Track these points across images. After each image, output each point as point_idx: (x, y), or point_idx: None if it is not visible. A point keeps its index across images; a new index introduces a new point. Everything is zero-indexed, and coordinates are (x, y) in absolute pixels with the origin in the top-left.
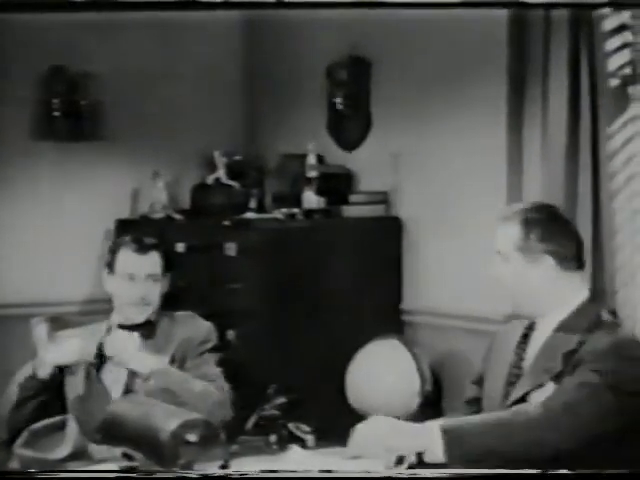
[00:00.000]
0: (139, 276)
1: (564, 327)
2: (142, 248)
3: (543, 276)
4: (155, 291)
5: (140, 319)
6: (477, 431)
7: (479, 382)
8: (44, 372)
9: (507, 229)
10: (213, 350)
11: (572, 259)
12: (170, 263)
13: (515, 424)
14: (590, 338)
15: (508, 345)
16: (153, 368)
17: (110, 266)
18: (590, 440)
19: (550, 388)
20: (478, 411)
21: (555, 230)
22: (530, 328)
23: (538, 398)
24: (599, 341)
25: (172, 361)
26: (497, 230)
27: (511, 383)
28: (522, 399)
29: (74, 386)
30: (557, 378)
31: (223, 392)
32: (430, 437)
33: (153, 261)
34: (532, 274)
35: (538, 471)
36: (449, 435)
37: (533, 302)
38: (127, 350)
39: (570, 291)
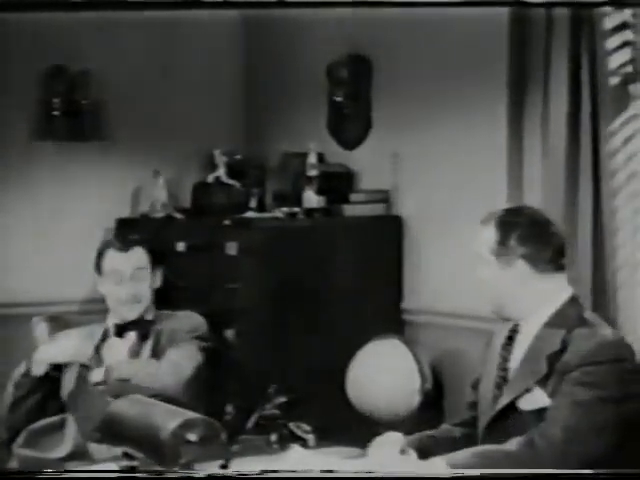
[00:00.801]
0: (125, 274)
1: (547, 329)
2: (124, 246)
3: (517, 279)
4: (144, 287)
5: (132, 316)
6: (485, 466)
7: (476, 386)
8: (38, 370)
9: (484, 232)
10: (199, 338)
11: (549, 261)
12: (159, 258)
13: (522, 458)
14: (573, 339)
15: (495, 348)
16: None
17: (98, 268)
18: (594, 454)
19: (538, 393)
20: (476, 416)
21: (531, 233)
22: (514, 330)
23: (526, 404)
24: (582, 343)
25: (154, 353)
26: (478, 234)
27: (498, 386)
28: (511, 404)
29: (67, 385)
30: (543, 382)
31: (172, 363)
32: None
33: (137, 257)
34: (506, 277)
35: (538, 471)
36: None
37: (511, 304)
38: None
39: (551, 293)
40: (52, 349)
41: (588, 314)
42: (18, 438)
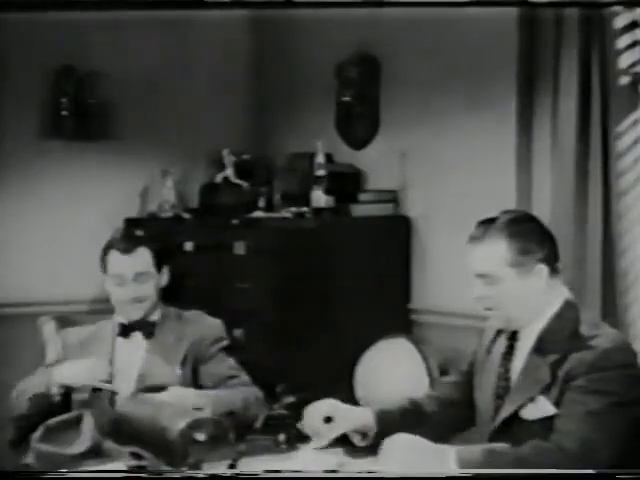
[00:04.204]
0: (127, 277)
1: (546, 334)
2: (127, 247)
3: (538, 285)
4: (148, 288)
5: (136, 316)
6: (494, 464)
7: (469, 376)
8: (56, 393)
9: (490, 248)
10: (226, 349)
11: (556, 262)
12: (165, 256)
13: (535, 464)
14: (575, 346)
15: (493, 356)
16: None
17: (104, 267)
18: (610, 460)
19: (542, 402)
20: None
21: (539, 236)
22: (513, 338)
23: (530, 413)
24: (587, 350)
25: (183, 362)
26: (475, 253)
27: (499, 397)
28: (513, 414)
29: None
30: (546, 390)
31: (252, 385)
32: (447, 462)
33: (141, 259)
34: (527, 286)
35: (540, 471)
36: (464, 464)
37: (525, 314)
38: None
39: (551, 296)
40: (68, 372)
41: (586, 316)
42: (35, 433)
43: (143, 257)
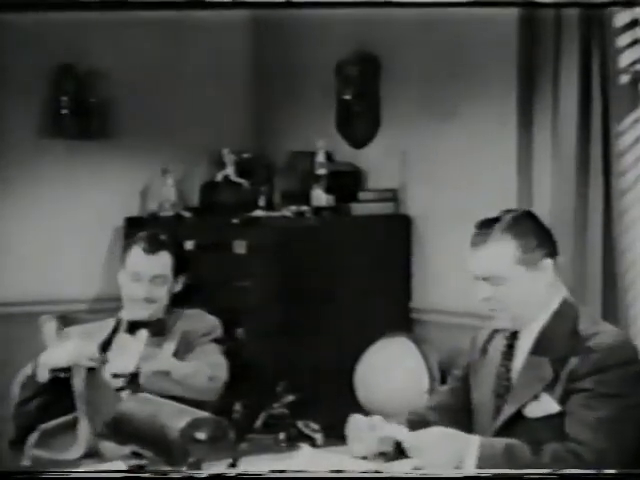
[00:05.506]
0: (145, 276)
1: (547, 333)
2: (151, 248)
3: (545, 280)
4: (161, 291)
5: (143, 315)
6: (513, 464)
7: (465, 378)
8: (42, 375)
9: (497, 250)
10: (216, 341)
11: (557, 256)
12: (183, 263)
13: (553, 470)
14: (576, 343)
15: (490, 356)
16: (136, 363)
17: (123, 260)
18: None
19: (546, 400)
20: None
21: (541, 231)
22: (512, 337)
23: (534, 412)
24: (588, 348)
25: (175, 354)
26: (479, 256)
27: (500, 396)
28: (517, 413)
29: (77, 384)
30: (550, 388)
31: (213, 368)
32: (468, 450)
33: (162, 262)
34: (534, 282)
35: (543, 471)
36: (485, 457)
37: (530, 312)
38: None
39: (552, 294)
40: (53, 354)
41: (585, 313)
42: (30, 437)
43: (163, 261)
